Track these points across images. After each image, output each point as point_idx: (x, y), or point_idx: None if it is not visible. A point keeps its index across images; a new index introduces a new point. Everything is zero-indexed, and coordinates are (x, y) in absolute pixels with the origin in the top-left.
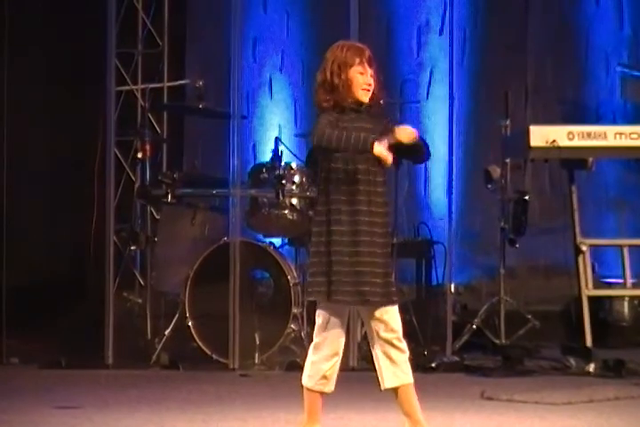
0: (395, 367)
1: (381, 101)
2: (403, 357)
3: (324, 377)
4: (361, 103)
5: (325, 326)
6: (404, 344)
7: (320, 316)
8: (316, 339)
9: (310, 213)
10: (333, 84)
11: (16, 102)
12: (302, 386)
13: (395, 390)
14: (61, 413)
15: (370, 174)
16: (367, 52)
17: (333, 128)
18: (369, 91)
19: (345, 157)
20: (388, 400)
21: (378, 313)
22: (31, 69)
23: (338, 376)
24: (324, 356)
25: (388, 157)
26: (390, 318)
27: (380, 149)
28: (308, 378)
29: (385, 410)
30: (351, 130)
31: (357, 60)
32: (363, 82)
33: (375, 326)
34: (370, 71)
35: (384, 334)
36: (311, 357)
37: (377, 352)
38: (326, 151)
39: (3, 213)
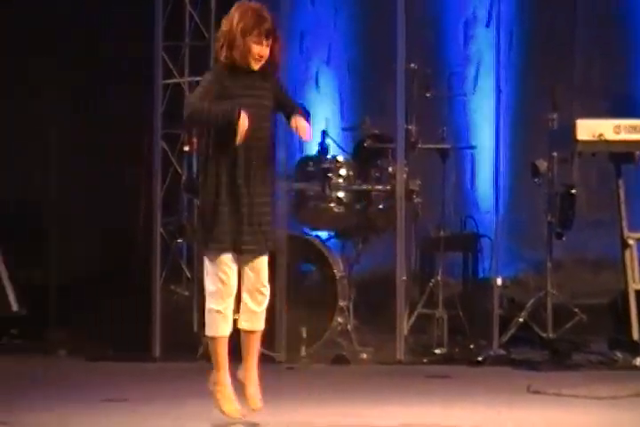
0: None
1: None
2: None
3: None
4: (251, 69)
5: None
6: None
7: None
8: None
9: (357, 206)
10: (233, 44)
11: (63, 95)
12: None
13: (245, 333)
14: (108, 405)
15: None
16: (267, 24)
17: (205, 98)
18: (260, 61)
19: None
20: (433, 393)
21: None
22: (78, 62)
23: (383, 369)
24: None
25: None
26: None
27: (244, 120)
28: None
29: (430, 403)
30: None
31: (255, 31)
32: (256, 52)
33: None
34: (266, 42)
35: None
36: None
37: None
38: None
39: (52, 207)
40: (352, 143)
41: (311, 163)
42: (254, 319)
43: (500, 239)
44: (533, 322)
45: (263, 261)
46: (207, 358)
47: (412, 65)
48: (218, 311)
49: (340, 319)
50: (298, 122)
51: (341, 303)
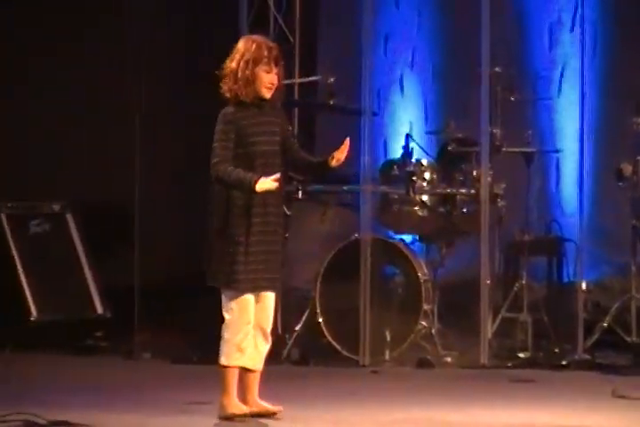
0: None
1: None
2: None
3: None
4: (263, 99)
5: None
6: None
7: None
8: None
9: (441, 209)
10: (238, 77)
11: (150, 101)
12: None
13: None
14: (192, 408)
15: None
16: (275, 51)
17: (227, 157)
18: (272, 89)
19: None
20: (518, 397)
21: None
22: (164, 67)
23: (467, 373)
24: None
25: (273, 187)
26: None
27: (261, 186)
28: None
29: (514, 407)
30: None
31: (265, 60)
32: (267, 80)
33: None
34: (275, 70)
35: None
36: None
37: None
38: None
39: (137, 208)
40: (436, 147)
41: (395, 166)
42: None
43: (584, 243)
44: (618, 326)
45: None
46: (291, 361)
47: (497, 68)
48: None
49: (424, 323)
50: (341, 153)
51: (425, 307)
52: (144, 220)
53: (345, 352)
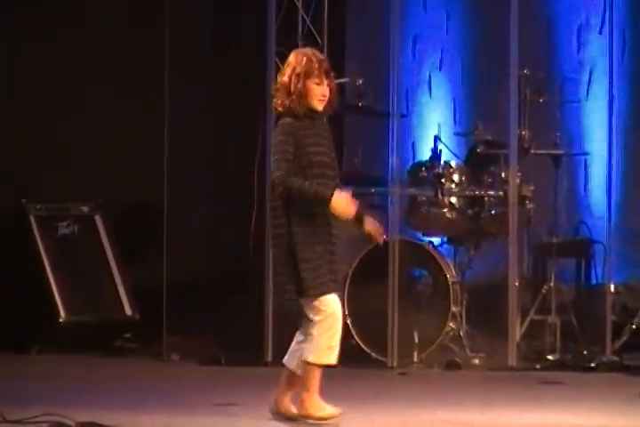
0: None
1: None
2: None
3: None
4: (315, 111)
5: None
6: None
7: None
8: None
9: (470, 211)
10: (290, 91)
11: (177, 101)
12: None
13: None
14: (220, 410)
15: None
16: (325, 64)
17: (290, 169)
18: (324, 101)
19: None
20: (546, 399)
21: None
22: (191, 68)
23: (495, 375)
24: None
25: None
26: None
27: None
28: None
29: (543, 409)
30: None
31: (316, 72)
32: (319, 93)
33: None
34: (326, 82)
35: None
36: None
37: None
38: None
39: (165, 210)
40: (465, 149)
41: (424, 168)
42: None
43: (612, 245)
44: None
45: None
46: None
47: (525, 70)
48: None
49: (452, 325)
50: (371, 226)
51: (454, 309)
52: (173, 221)
53: (373, 354)
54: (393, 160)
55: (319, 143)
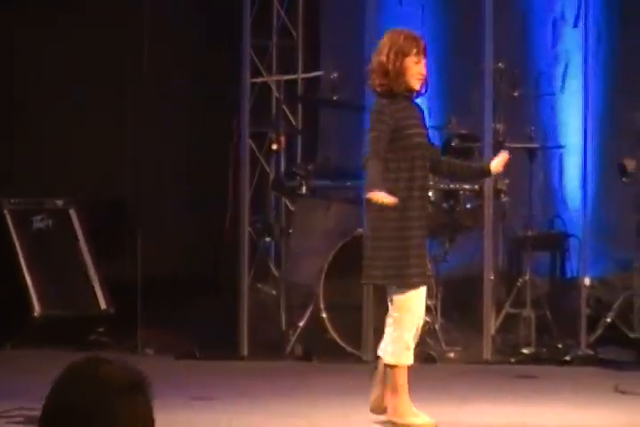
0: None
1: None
2: None
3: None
4: (412, 90)
5: None
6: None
7: None
8: None
9: (445, 205)
10: (388, 70)
11: (152, 94)
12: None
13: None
14: (196, 404)
15: None
16: (422, 42)
17: (379, 151)
18: (421, 80)
19: None
20: (521, 392)
21: None
22: (168, 62)
23: (470, 368)
24: None
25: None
26: None
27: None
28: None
29: (517, 402)
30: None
31: (414, 51)
32: (417, 71)
33: None
34: (423, 61)
35: None
36: None
37: None
38: None
39: (139, 204)
40: (439, 142)
41: None
42: None
43: (587, 239)
44: (620, 322)
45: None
46: (294, 357)
47: (500, 64)
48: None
49: (427, 318)
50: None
51: (429, 302)
52: (148, 216)
53: (348, 348)
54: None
55: (416, 124)
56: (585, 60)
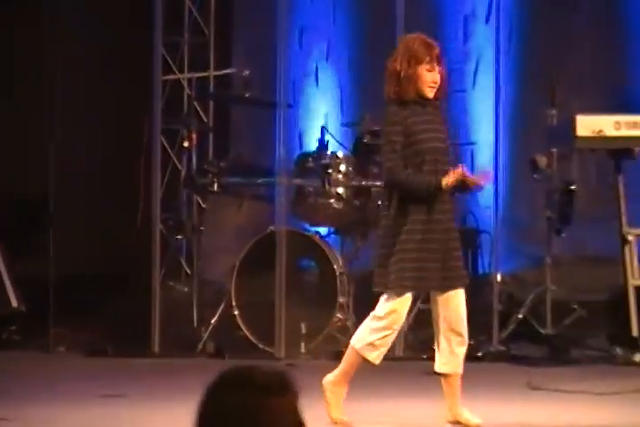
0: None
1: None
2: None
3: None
4: (424, 98)
5: None
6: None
7: None
8: None
9: (356, 202)
10: (401, 77)
11: (64, 91)
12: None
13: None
14: (107, 401)
15: None
16: (437, 50)
17: (398, 161)
18: (434, 88)
19: None
20: (433, 389)
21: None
22: (78, 59)
23: (382, 365)
24: None
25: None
26: None
27: (446, 183)
28: None
29: (430, 399)
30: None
31: (427, 58)
32: (430, 79)
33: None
34: (437, 68)
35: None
36: None
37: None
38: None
39: (51, 202)
40: (352, 139)
41: (310, 159)
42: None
43: (499, 235)
44: (533, 318)
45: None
46: (206, 354)
47: None
48: None
49: (339, 315)
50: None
51: (341, 299)
52: (59, 214)
53: (260, 345)
54: (280, 150)
55: (430, 129)
56: (496, 57)
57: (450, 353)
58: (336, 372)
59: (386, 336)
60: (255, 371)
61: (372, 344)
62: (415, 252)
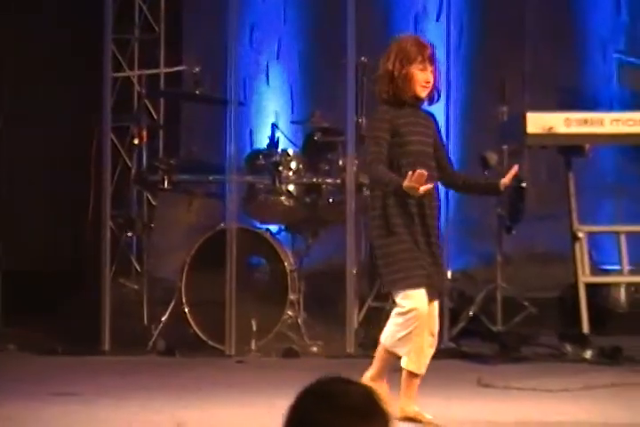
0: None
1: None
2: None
3: None
4: (418, 98)
5: None
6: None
7: None
8: None
9: (307, 199)
10: (393, 77)
11: (12, 88)
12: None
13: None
14: (58, 400)
15: None
16: (429, 50)
17: (380, 156)
18: (427, 88)
19: None
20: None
21: None
22: (26, 57)
23: (333, 362)
24: None
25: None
26: None
27: (407, 184)
28: None
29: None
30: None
31: (420, 58)
32: (422, 79)
33: None
34: (430, 68)
35: None
36: None
37: None
38: None
39: (0, 202)
40: (302, 136)
41: (261, 156)
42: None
43: (449, 232)
44: (483, 315)
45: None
46: (157, 352)
47: (363, 58)
48: None
49: (290, 313)
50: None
51: (291, 297)
52: (7, 211)
53: (211, 342)
54: (230, 148)
55: (419, 132)
56: (447, 55)
57: (421, 352)
58: (372, 371)
59: (411, 332)
60: (351, 391)
61: (400, 340)
62: (415, 251)
